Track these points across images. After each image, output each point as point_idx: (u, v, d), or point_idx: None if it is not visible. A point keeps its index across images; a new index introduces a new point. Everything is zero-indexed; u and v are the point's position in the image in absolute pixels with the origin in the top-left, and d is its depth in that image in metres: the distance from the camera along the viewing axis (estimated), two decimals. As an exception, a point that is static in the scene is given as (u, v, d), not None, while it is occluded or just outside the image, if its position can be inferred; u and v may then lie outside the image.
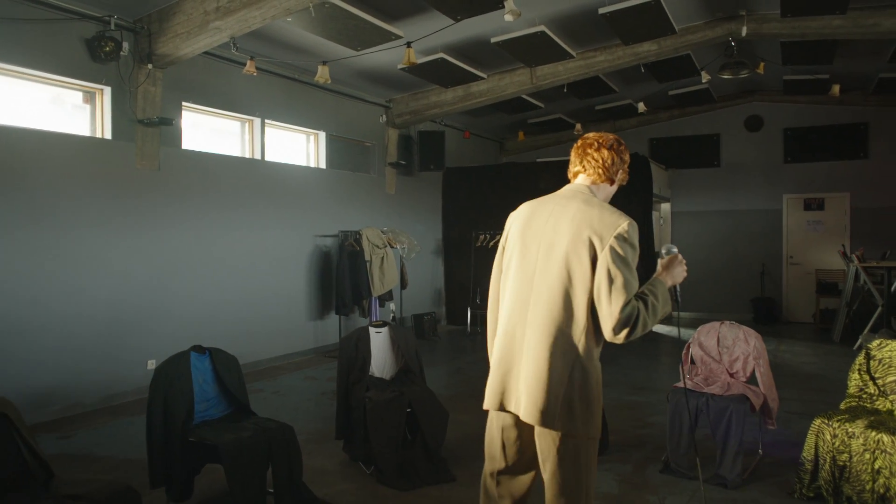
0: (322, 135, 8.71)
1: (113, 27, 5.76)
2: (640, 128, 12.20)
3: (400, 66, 7.56)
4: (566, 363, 2.13)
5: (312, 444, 4.72)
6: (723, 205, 11.65)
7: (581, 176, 2.34)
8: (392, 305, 9.44)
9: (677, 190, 11.94)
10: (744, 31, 7.16)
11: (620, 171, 2.34)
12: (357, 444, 4.30)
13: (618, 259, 2.04)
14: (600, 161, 2.29)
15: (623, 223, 2.11)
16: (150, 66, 5.99)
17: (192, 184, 6.68)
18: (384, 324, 4.79)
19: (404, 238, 9.31)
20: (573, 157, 2.37)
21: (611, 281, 2.03)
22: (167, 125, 6.19)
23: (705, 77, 8.37)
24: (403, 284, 9.49)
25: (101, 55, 5.67)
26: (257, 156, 7.64)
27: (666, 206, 12.03)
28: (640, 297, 2.08)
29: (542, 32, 6.91)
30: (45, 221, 5.41)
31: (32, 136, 5.37)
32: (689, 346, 4.36)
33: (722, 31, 7.36)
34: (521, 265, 2.28)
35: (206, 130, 7.28)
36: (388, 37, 6.61)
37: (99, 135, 6.02)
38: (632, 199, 9.44)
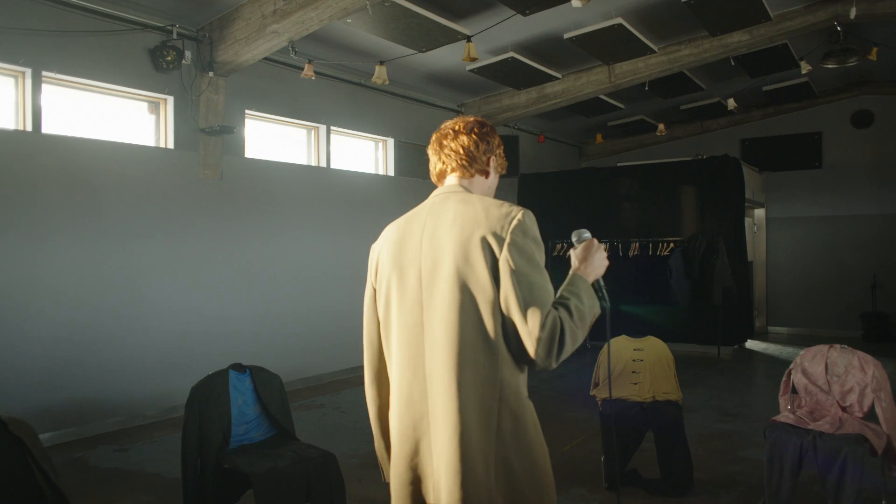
0: (390, 141, 8.48)
1: (175, 36, 5.72)
2: (730, 128, 11.32)
3: (468, 68, 7.24)
4: (488, 413, 1.61)
5: (366, 470, 4.40)
6: (825, 210, 10.60)
7: (448, 177, 1.88)
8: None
9: (773, 194, 10.97)
10: (852, 13, 6.35)
11: (493, 157, 1.88)
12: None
13: (523, 259, 1.58)
14: (461, 150, 1.83)
15: (517, 213, 1.64)
16: (211, 74, 5.92)
17: (254, 193, 6.57)
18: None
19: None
20: (431, 154, 1.92)
21: (521, 290, 1.57)
22: (229, 133, 6.10)
23: (805, 68, 7.55)
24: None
25: (163, 65, 5.63)
26: (322, 164, 7.49)
27: (760, 213, 11.08)
28: (559, 303, 1.62)
29: (620, 25, 6.39)
30: (111, 232, 5.40)
31: (97, 147, 5.37)
32: (789, 373, 3.75)
33: (825, 14, 6.58)
34: (401, 304, 1.74)
35: (270, 138, 7.18)
36: (453, 36, 6.28)
37: (162, 145, 5.99)
38: (723, 204, 8.72)
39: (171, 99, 5.93)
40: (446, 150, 1.84)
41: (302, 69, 6.39)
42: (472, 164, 1.82)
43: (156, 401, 5.70)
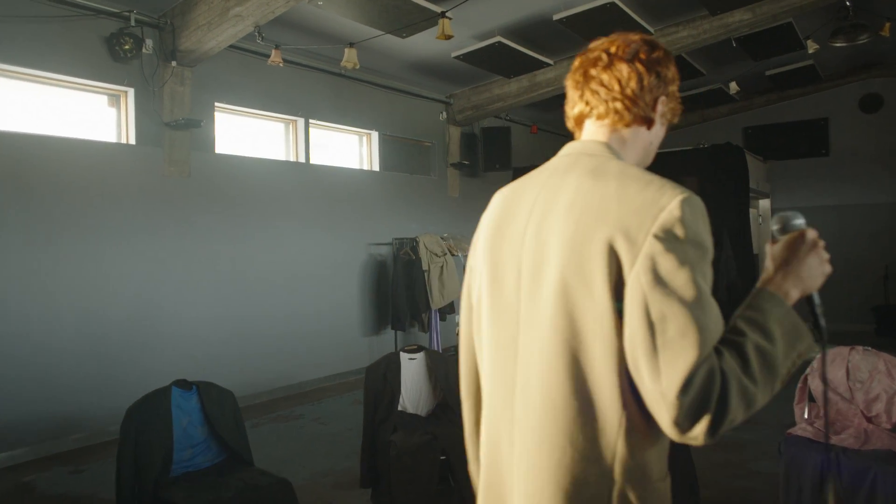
0: (375, 135, 8.06)
1: (133, 23, 5.31)
2: (733, 116, 10.88)
3: (453, 55, 6.83)
4: (593, 497, 1.08)
5: (340, 491, 4.00)
6: (832, 199, 10.15)
7: (588, 123, 1.27)
8: (458, 318, 8.68)
9: (778, 184, 10.52)
10: (862, -14, 5.94)
11: (663, 97, 1.23)
12: (383, 497, 3.54)
13: (670, 276, 1.01)
14: (616, 86, 1.20)
15: (672, 202, 1.05)
16: (174, 63, 5.51)
17: (226, 191, 6.16)
18: (419, 349, 4.02)
19: (466, 245, 8.52)
20: (569, 90, 1.29)
21: (655, 326, 1.00)
22: (195, 127, 5.69)
23: (812, 47, 7.11)
24: (466, 295, 8.71)
25: (121, 54, 5.23)
26: (301, 159, 7.07)
27: (765, 203, 10.63)
28: (728, 343, 1.03)
29: (612, 5, 5.96)
30: (65, 234, 5.00)
31: (49, 143, 4.97)
32: (805, 379, 3.33)
33: (833, -13, 6.16)
34: (494, 314, 1.24)
35: (244, 133, 6.76)
36: (432, 18, 5.86)
37: (124, 140, 5.58)
38: (725, 195, 8.28)
39: (131, 91, 5.52)
40: (593, 85, 1.22)
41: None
42: (630, 106, 1.20)
43: (119, 415, 5.28)
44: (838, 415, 3.17)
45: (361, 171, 7.91)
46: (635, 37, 1.24)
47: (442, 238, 8.13)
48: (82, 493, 4.13)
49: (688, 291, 0.99)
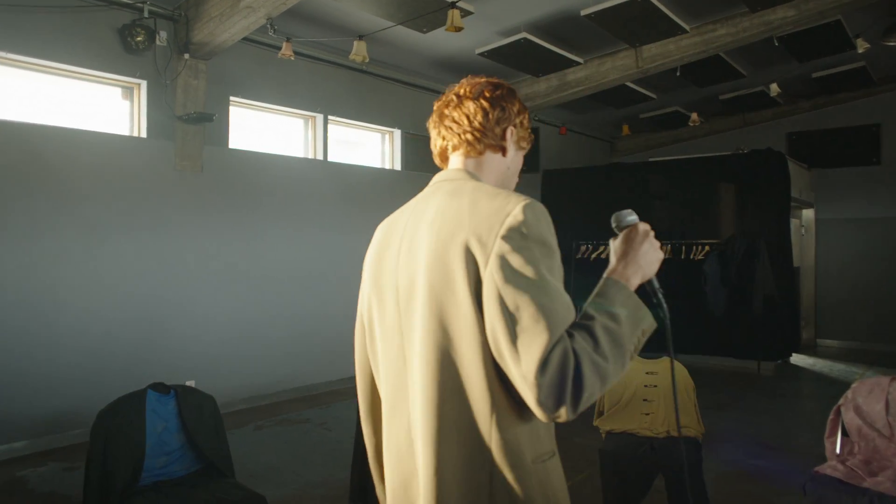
0: (397, 133, 7.87)
1: (146, 14, 5.21)
2: (776, 120, 10.35)
3: (478, 51, 6.59)
4: (477, 481, 1.20)
5: (330, 504, 3.80)
6: (883, 211, 9.54)
7: (451, 157, 1.45)
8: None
9: (823, 193, 9.97)
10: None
11: (510, 127, 1.42)
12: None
13: (518, 271, 1.15)
14: (465, 120, 1.40)
15: (516, 208, 1.21)
16: (186, 56, 5.40)
17: (240, 187, 6.03)
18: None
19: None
20: (430, 129, 1.48)
21: (511, 316, 1.14)
22: (207, 121, 5.56)
23: (862, 46, 6.64)
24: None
25: (133, 45, 5.13)
26: (319, 156, 6.91)
27: (808, 213, 10.10)
28: (579, 326, 1.16)
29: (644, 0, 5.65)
30: (70, 226, 4.92)
31: (57, 134, 4.89)
32: (838, 410, 2.99)
33: (886, -17, 5.72)
34: (382, 333, 1.37)
35: (260, 128, 6.63)
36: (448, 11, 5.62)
37: (135, 134, 5.49)
38: (765, 203, 7.86)
39: (143, 84, 5.43)
40: (446, 122, 1.42)
41: (295, 54, 5.83)
42: (479, 136, 1.39)
43: (121, 413, 5.20)
44: (875, 453, 2.83)
45: (382, 169, 7.72)
46: (481, 79, 1.45)
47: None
48: (73, 493, 4.01)
49: (536, 283, 1.13)
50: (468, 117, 1.38)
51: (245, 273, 6.06)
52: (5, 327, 4.61)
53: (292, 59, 5.33)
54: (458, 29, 4.99)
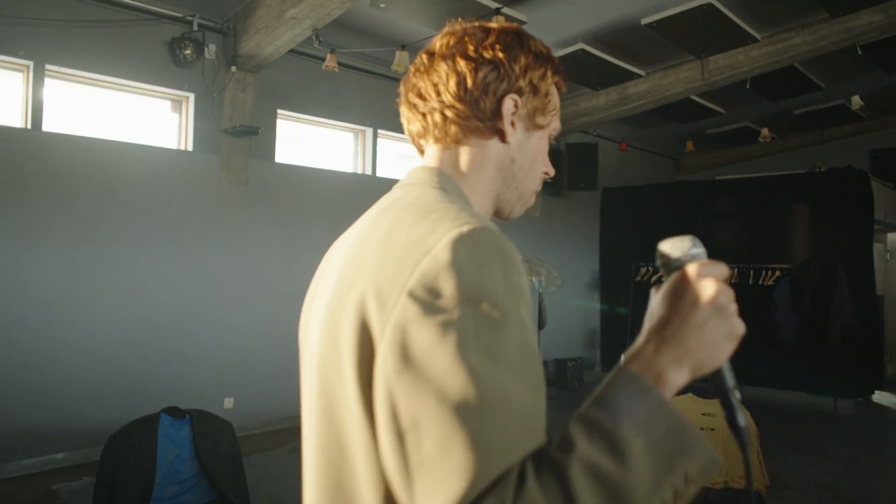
0: (450, 148, 7.68)
1: (196, 28, 5.21)
2: (858, 136, 9.65)
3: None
4: None
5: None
6: (981, 236, 8.72)
7: (427, 148, 0.97)
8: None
9: (912, 216, 9.20)
10: None
11: (512, 94, 0.90)
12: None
13: (422, 358, 0.66)
14: (432, 93, 0.91)
15: (441, 241, 0.71)
16: (234, 69, 5.36)
17: (285, 201, 5.95)
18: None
19: (542, 269, 7.95)
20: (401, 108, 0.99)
21: (405, 437, 0.65)
22: (253, 134, 5.51)
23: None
24: (541, 324, 8.13)
25: (181, 58, 5.13)
26: (368, 171, 6.79)
27: (894, 237, 9.33)
28: (546, 467, 0.62)
29: (710, 6, 5.28)
30: (113, 239, 4.92)
31: (106, 147, 4.92)
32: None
33: None
34: (303, 401, 0.91)
35: (308, 142, 6.56)
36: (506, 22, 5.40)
37: (183, 147, 5.49)
38: (844, 226, 7.26)
39: (191, 97, 5.43)
40: (410, 96, 0.95)
41: (343, 66, 5.73)
42: (456, 117, 0.90)
43: (159, 428, 5.15)
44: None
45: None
46: (470, 24, 0.94)
47: (516, 260, 7.63)
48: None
49: (454, 381, 0.64)
50: (437, 87, 0.90)
51: (289, 289, 5.96)
52: (50, 338, 4.63)
53: (336, 70, 5.21)
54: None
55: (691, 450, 0.64)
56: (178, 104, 5.53)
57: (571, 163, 8.79)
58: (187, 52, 5.13)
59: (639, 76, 7.03)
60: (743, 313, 0.73)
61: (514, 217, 1.02)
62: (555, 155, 8.76)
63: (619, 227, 9.38)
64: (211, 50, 5.37)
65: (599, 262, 9.63)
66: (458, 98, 0.89)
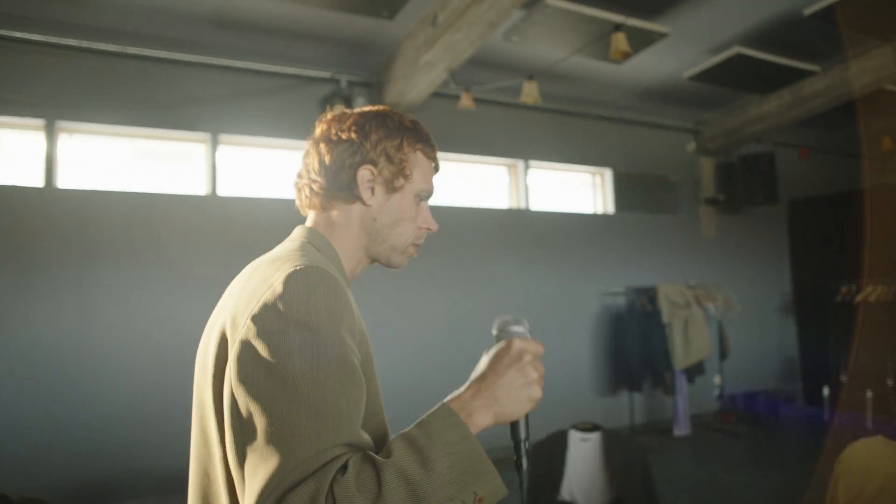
0: (607, 172, 7.41)
1: (343, 85, 5.60)
2: None
3: (686, 75, 5.97)
4: None
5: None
6: None
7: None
8: (717, 380, 7.49)
9: None
10: None
11: (365, 165, 1.12)
12: None
13: (256, 364, 0.86)
14: (304, 171, 1.19)
15: (280, 277, 0.93)
16: (381, 118, 5.66)
17: (436, 240, 6.09)
18: (594, 427, 3.34)
19: (719, 295, 7.31)
20: None
21: (241, 430, 0.87)
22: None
23: None
24: (724, 353, 7.45)
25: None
26: (522, 205, 6.75)
27: None
28: (365, 465, 0.82)
29: (889, -19, 4.60)
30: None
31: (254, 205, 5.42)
32: None
33: None
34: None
35: (460, 180, 6.68)
36: (648, 38, 5.14)
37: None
38: None
39: (345, 148, 5.80)
40: (296, 174, 1.24)
41: (487, 102, 5.81)
42: (319, 190, 1.15)
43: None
44: None
45: (594, 215, 7.30)
46: (336, 113, 1.20)
47: (688, 286, 7.10)
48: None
49: (277, 384, 0.85)
50: (308, 167, 1.16)
51: (443, 326, 6.06)
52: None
53: (473, 108, 5.27)
54: (626, 55, 4.48)
55: (483, 476, 0.85)
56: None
57: (746, 176, 8.03)
58: (337, 106, 5.53)
59: (812, 73, 6.28)
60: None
61: (395, 265, 1.18)
62: (726, 169, 8.12)
63: (813, 242, 8.34)
64: (360, 103, 5.72)
65: (791, 284, 8.63)
66: (319, 174, 1.13)
